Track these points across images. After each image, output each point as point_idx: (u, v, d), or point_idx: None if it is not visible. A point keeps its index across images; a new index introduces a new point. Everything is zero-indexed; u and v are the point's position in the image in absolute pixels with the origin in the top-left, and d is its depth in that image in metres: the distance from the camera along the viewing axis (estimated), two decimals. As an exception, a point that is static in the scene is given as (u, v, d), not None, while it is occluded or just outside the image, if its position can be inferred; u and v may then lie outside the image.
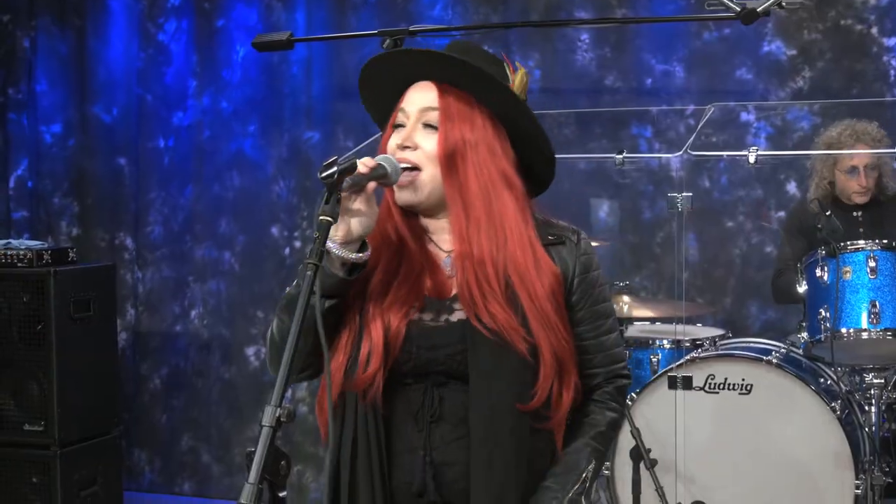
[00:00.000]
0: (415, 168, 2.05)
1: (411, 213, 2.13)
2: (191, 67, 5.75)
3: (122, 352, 5.70)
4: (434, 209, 2.11)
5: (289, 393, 1.71)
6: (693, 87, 5.08)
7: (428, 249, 2.12)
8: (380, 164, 1.98)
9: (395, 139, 2.09)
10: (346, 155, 1.99)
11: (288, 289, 2.10)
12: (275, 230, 5.43)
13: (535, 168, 2.18)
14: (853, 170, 4.50)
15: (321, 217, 1.85)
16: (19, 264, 4.68)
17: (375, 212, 1.99)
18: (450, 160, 2.05)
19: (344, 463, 2.04)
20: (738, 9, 2.37)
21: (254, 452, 1.62)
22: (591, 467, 2.11)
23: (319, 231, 1.84)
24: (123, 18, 5.86)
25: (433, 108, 2.07)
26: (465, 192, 2.05)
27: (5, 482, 4.69)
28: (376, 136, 2.25)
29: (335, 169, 1.86)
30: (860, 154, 4.43)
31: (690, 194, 3.84)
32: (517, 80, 2.16)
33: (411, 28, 2.47)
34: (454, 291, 2.07)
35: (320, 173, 1.87)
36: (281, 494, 1.68)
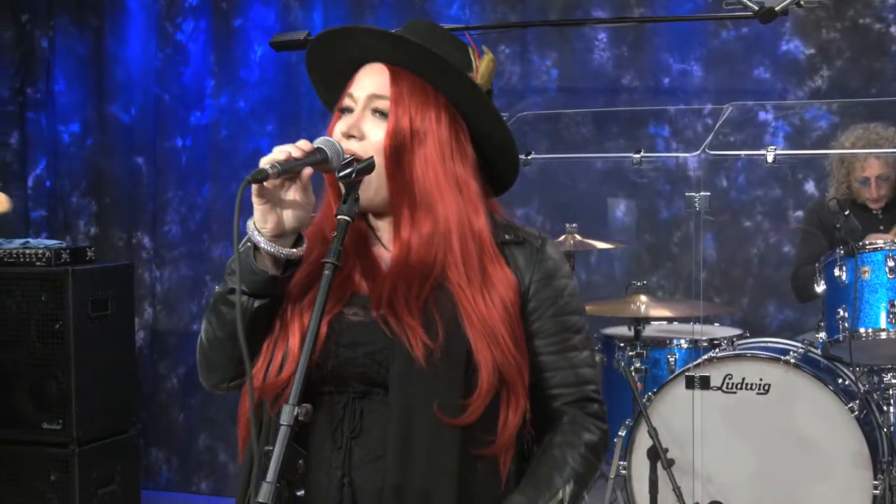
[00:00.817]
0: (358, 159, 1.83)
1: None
2: (208, 67, 5.76)
3: (139, 351, 5.73)
4: (382, 207, 1.89)
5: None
6: (711, 87, 5.07)
7: (370, 251, 1.92)
8: (319, 147, 1.78)
9: (340, 126, 1.88)
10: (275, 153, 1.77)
11: (217, 288, 1.89)
12: (292, 229, 5.46)
13: (498, 166, 1.97)
14: (865, 181, 4.53)
15: (339, 216, 1.77)
16: (37, 263, 4.68)
17: (312, 201, 1.79)
18: (396, 153, 1.83)
19: (252, 483, 1.71)
20: (756, 8, 2.37)
21: (271, 451, 1.61)
22: (568, 488, 1.83)
23: (337, 230, 1.76)
24: (141, 18, 5.88)
25: (384, 97, 1.86)
26: (410, 190, 1.84)
27: (23, 480, 4.71)
28: None
29: (352, 168, 1.79)
30: (871, 160, 4.45)
31: (708, 194, 3.82)
32: (482, 66, 1.94)
33: (428, 27, 2.42)
34: None
35: (250, 179, 1.66)
36: (298, 493, 1.68)
